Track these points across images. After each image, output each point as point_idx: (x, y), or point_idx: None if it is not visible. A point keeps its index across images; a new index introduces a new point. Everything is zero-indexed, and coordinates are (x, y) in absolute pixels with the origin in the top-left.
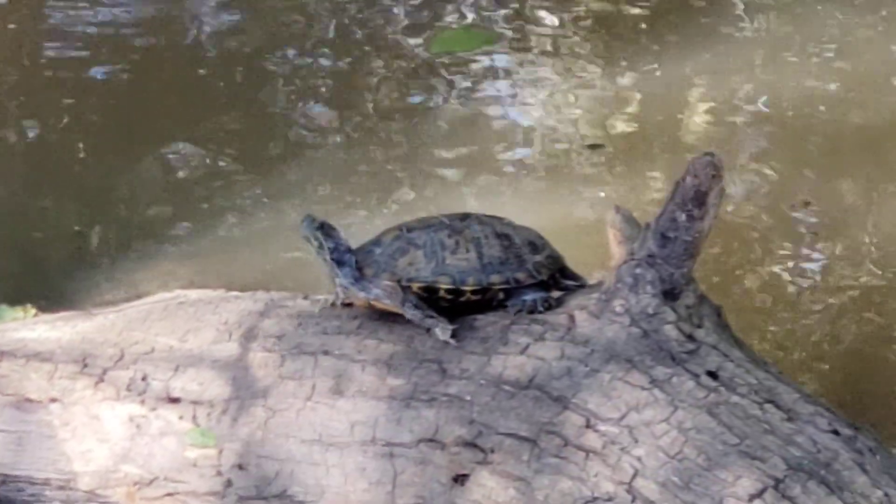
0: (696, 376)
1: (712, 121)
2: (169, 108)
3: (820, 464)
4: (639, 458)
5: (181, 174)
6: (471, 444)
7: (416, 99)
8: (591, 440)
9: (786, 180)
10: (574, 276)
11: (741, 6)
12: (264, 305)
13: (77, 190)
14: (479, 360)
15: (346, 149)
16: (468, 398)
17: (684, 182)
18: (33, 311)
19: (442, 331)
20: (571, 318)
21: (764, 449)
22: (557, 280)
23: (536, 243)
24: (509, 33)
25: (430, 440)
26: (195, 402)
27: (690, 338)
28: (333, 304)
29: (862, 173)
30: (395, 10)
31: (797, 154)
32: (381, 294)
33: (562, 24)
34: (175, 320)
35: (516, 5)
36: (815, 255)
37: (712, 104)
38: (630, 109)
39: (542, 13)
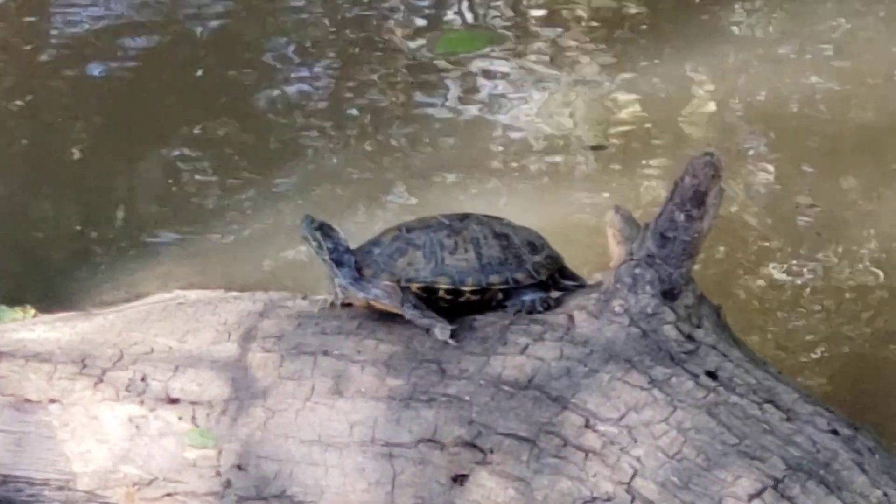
0: (695, 376)
1: (713, 120)
2: (168, 108)
3: (819, 464)
4: (638, 459)
5: (180, 174)
6: (470, 445)
7: (417, 99)
8: (591, 440)
9: (786, 180)
10: (573, 277)
11: (742, 5)
12: (263, 306)
13: (76, 190)
14: (478, 360)
15: (346, 149)
16: (467, 398)
17: (683, 182)
18: (32, 311)
19: (441, 331)
20: (570, 318)
21: (763, 449)
22: (556, 280)
23: (535, 243)
24: (511, 34)
25: (430, 440)
26: (194, 403)
27: (689, 338)
28: (332, 305)
29: (862, 173)
30: (396, 10)
31: (797, 153)
32: (380, 294)
33: (563, 24)
34: (174, 321)
35: (519, 5)
36: (816, 255)
37: (713, 103)
38: (631, 110)
39: (544, 13)
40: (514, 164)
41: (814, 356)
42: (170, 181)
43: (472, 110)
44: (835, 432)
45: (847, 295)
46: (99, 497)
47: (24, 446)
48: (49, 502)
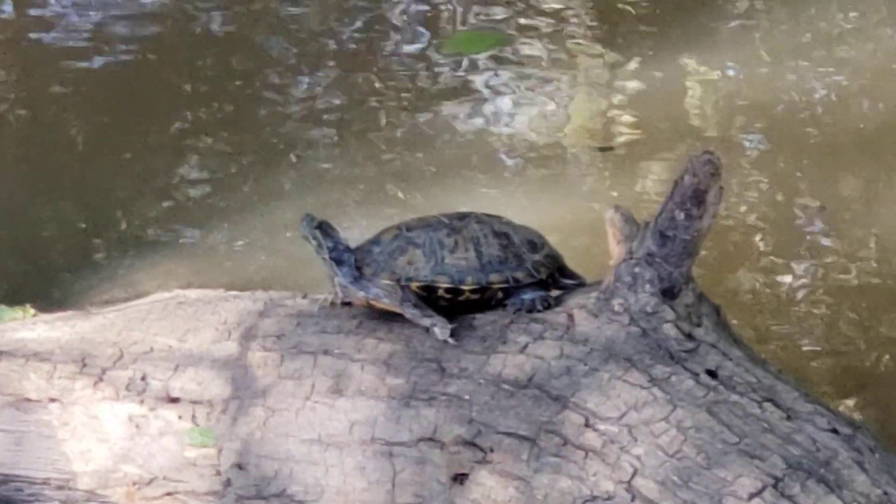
0: (695, 375)
1: (717, 119)
2: (168, 108)
3: (819, 462)
4: (638, 457)
5: (180, 174)
6: (470, 444)
7: (419, 99)
8: (591, 439)
9: (786, 179)
10: (573, 275)
11: (744, 5)
12: (263, 305)
13: (76, 189)
14: (478, 359)
15: (347, 147)
16: (467, 397)
17: (683, 181)
18: (32, 311)
19: (441, 330)
20: (570, 317)
21: (763, 447)
22: (556, 279)
23: (535, 242)
24: (518, 34)
25: (430, 439)
26: (194, 402)
27: (689, 336)
28: (332, 304)
29: (863, 172)
30: (401, 10)
31: (799, 152)
32: (380, 293)
33: (569, 24)
34: (174, 320)
35: (527, 6)
36: (816, 255)
37: (717, 102)
38: (638, 111)
39: (551, 14)
40: (518, 164)
41: (814, 355)
42: (170, 180)
43: (476, 110)
44: (835, 431)
45: (847, 294)
46: (99, 496)
47: (24, 445)
48: (49, 501)
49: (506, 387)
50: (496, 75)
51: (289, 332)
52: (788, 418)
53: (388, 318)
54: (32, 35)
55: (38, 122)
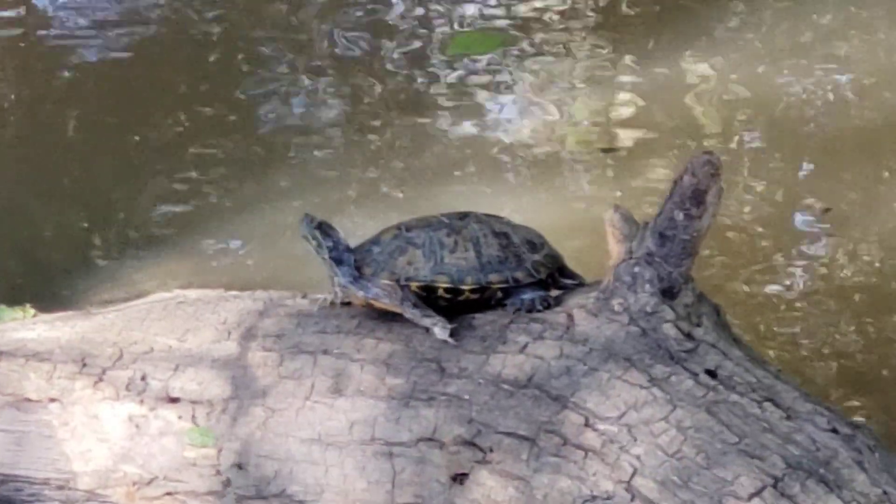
0: (694, 375)
1: (719, 119)
2: (169, 108)
3: (819, 462)
4: (638, 457)
5: (180, 174)
6: (470, 443)
7: (422, 99)
8: (590, 439)
9: (788, 178)
10: (572, 275)
11: (746, 3)
12: (263, 305)
13: (76, 190)
14: (477, 359)
15: (347, 148)
16: (467, 397)
17: (682, 181)
18: (32, 311)
19: (441, 330)
20: (570, 316)
21: (763, 447)
22: (556, 279)
23: (535, 242)
24: (523, 35)
25: (429, 439)
26: (194, 402)
27: (689, 336)
28: (332, 304)
29: (866, 172)
30: (400, 13)
31: (800, 152)
32: (379, 293)
33: (574, 26)
34: (174, 320)
35: (531, 7)
36: (817, 255)
37: (720, 102)
38: (641, 111)
39: (557, 15)
40: (520, 166)
41: (813, 355)
42: (170, 180)
43: (477, 111)
44: (834, 431)
45: (848, 294)
46: (99, 496)
47: (24, 445)
48: (49, 501)
49: (505, 387)
50: (498, 76)
51: (289, 332)
52: (788, 418)
53: (388, 317)
54: (33, 35)
55: (38, 121)
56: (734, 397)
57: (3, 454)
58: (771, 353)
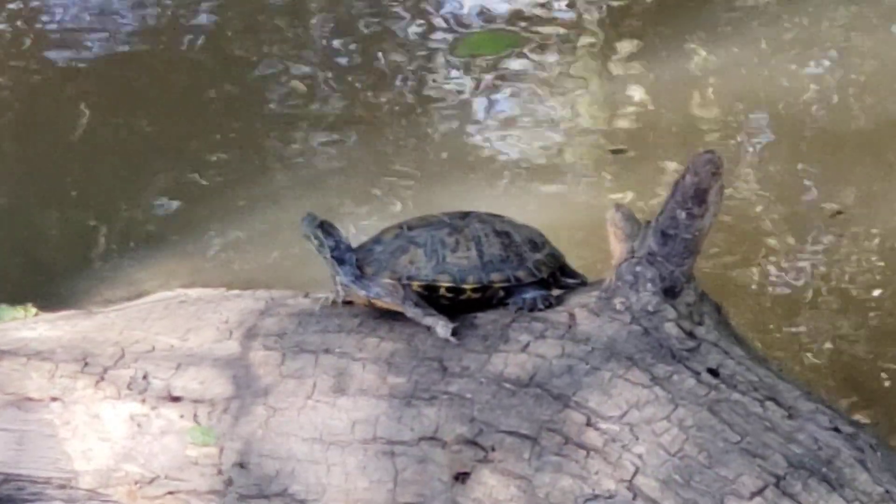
0: (696, 374)
1: (725, 118)
2: (169, 108)
3: (821, 461)
4: (640, 456)
5: (182, 173)
6: (472, 443)
7: (426, 99)
8: (592, 438)
9: (792, 176)
10: (574, 274)
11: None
12: (265, 304)
13: (78, 189)
14: (479, 358)
15: (349, 148)
16: (469, 396)
17: (684, 180)
18: (34, 310)
19: (442, 329)
20: (572, 316)
21: (765, 446)
22: (558, 278)
23: (537, 241)
24: (534, 36)
25: (431, 438)
26: (196, 401)
27: (691, 335)
28: (334, 303)
29: (873, 170)
30: (404, 12)
31: (802, 151)
32: (381, 292)
33: (584, 26)
34: (176, 319)
35: (533, 8)
36: (818, 254)
37: (725, 102)
38: (649, 112)
39: (567, 16)
40: (526, 165)
41: (815, 354)
42: (171, 179)
43: (484, 111)
44: (836, 430)
45: (850, 294)
46: (101, 495)
47: (25, 445)
48: (51, 501)
49: (507, 385)
50: (506, 76)
51: (290, 331)
52: (790, 417)
53: (390, 317)
54: (32, 34)
55: (39, 121)
56: (736, 396)
57: (5, 453)
58: (772, 351)
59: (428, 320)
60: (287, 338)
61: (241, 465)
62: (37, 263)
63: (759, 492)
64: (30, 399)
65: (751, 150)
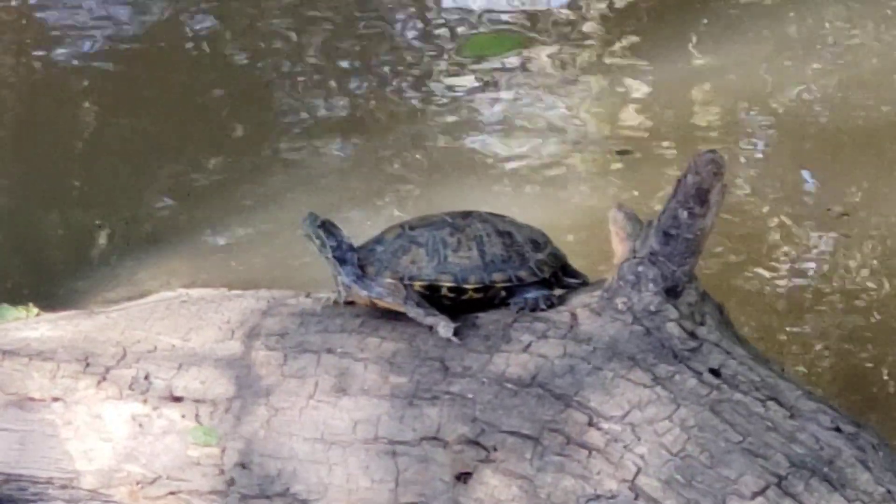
0: (698, 374)
1: (730, 119)
2: (170, 108)
3: (823, 461)
4: (641, 456)
5: (183, 173)
6: (473, 443)
7: (427, 99)
8: (594, 438)
9: (794, 177)
10: (576, 274)
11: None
12: (266, 304)
13: (79, 189)
14: (481, 358)
15: (351, 148)
16: (471, 396)
17: (686, 180)
18: (35, 310)
19: (444, 329)
20: (574, 315)
21: (766, 446)
22: (560, 278)
23: (539, 241)
24: (539, 36)
25: (433, 438)
26: (198, 401)
27: (693, 335)
28: (336, 303)
29: (871, 172)
30: (406, 15)
31: (804, 152)
32: (383, 292)
33: (588, 27)
34: (177, 319)
35: (537, 9)
36: (820, 254)
37: (729, 102)
38: (654, 113)
39: (571, 16)
40: (528, 165)
41: (816, 354)
42: (172, 180)
43: (488, 112)
44: (838, 429)
45: (852, 293)
46: (102, 495)
47: (27, 445)
48: (53, 500)
49: (509, 385)
50: (509, 77)
51: (292, 331)
52: (792, 417)
53: (392, 316)
54: (33, 34)
55: (39, 121)
56: (738, 396)
57: (7, 453)
58: (773, 351)
59: (429, 320)
60: (289, 338)
61: (243, 465)
62: (38, 263)
63: (761, 492)
64: (31, 399)
65: (753, 149)
